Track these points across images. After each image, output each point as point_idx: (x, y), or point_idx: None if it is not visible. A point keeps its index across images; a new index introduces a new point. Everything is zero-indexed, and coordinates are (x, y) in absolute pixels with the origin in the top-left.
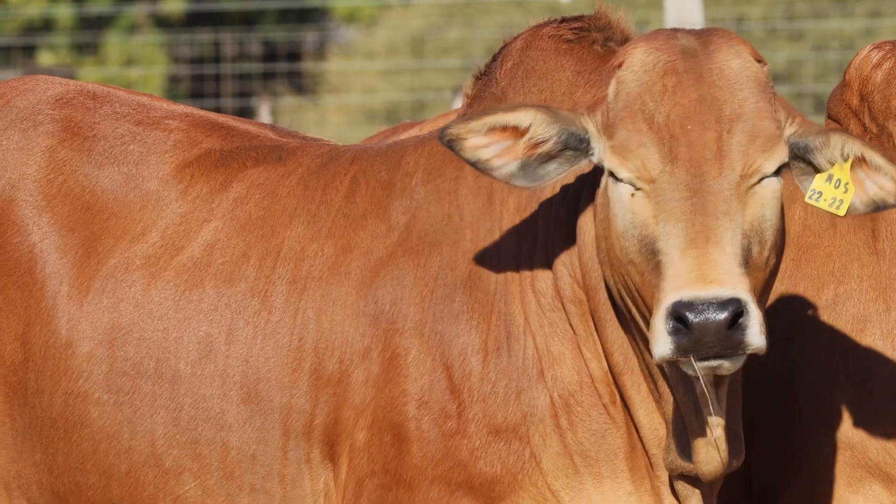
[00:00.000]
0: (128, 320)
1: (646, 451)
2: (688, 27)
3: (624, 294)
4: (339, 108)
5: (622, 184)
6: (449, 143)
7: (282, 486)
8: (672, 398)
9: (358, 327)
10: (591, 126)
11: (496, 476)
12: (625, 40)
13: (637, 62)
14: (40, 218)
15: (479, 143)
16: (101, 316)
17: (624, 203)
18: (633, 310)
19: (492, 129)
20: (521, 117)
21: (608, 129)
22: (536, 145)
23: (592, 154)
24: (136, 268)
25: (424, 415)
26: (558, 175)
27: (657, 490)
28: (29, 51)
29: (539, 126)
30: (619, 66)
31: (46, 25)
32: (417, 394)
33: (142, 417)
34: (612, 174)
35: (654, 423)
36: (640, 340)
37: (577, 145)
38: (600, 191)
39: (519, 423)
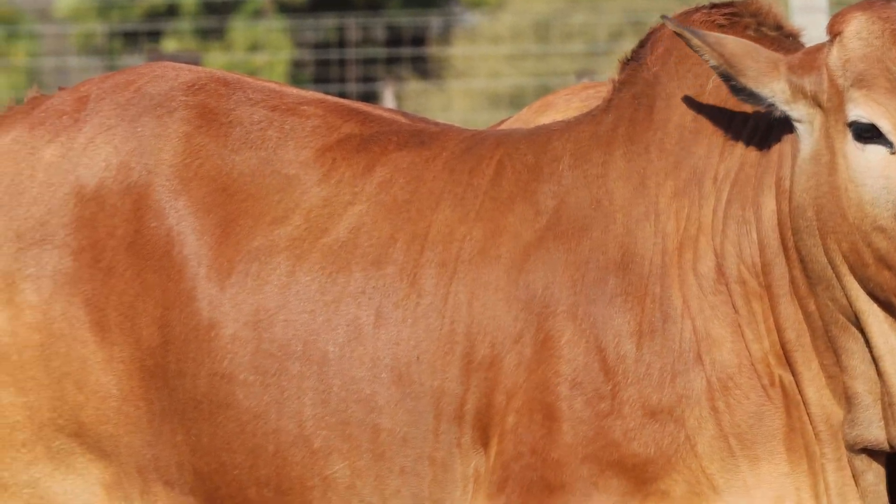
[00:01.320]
0: (274, 302)
1: (813, 428)
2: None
3: (853, 263)
4: (464, 92)
5: (871, 147)
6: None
7: (432, 469)
8: (861, 370)
9: (510, 311)
10: (788, 91)
11: (649, 457)
12: (777, 25)
13: (863, 30)
14: (176, 201)
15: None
16: (246, 298)
17: (874, 167)
18: (874, 278)
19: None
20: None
21: (836, 96)
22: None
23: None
24: (281, 250)
25: (577, 395)
26: None
27: (814, 470)
28: (154, 36)
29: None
30: (837, 35)
31: (171, 11)
32: (571, 374)
33: (289, 398)
34: (859, 137)
35: (822, 400)
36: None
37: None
38: (806, 159)
39: (674, 405)
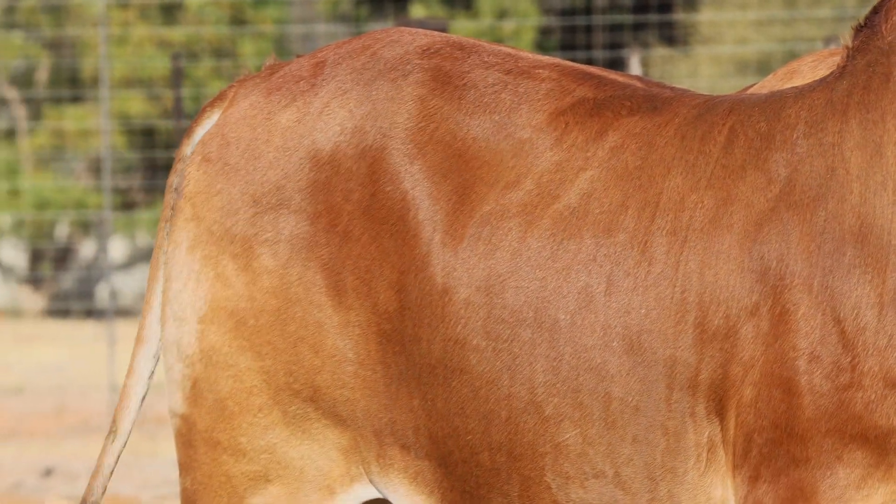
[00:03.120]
0: (505, 268)
1: None
2: None
3: None
4: (711, 59)
5: None
6: None
7: (665, 438)
8: None
9: (744, 282)
10: None
11: (893, 428)
12: None
13: None
14: (412, 166)
15: None
16: (477, 263)
17: None
18: None
19: None
20: None
21: None
22: None
23: None
24: (512, 215)
25: (816, 369)
26: None
27: None
28: (401, 3)
29: None
30: None
31: None
32: (808, 348)
33: (521, 365)
34: None
35: None
36: None
37: None
38: None
39: None
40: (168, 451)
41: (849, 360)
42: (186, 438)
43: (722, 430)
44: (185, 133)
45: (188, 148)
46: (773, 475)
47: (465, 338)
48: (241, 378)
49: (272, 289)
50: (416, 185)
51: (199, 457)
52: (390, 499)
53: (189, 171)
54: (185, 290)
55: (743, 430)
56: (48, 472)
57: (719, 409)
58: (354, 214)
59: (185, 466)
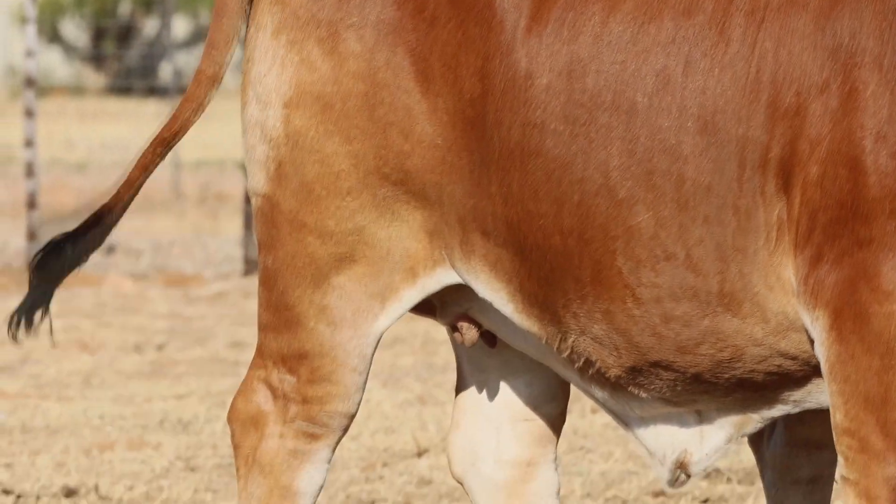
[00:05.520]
0: (586, 52)
1: None
2: None
3: None
4: None
5: None
6: None
7: (736, 218)
8: None
9: (816, 60)
10: None
11: None
12: None
13: None
14: None
15: None
16: (560, 48)
17: None
18: None
19: None
20: None
21: None
22: None
23: None
24: (595, 0)
25: (882, 148)
26: None
27: None
28: None
29: None
30: None
31: None
32: (875, 127)
33: (596, 148)
34: None
35: None
36: None
37: None
38: None
39: None
40: (230, 228)
41: None
42: (269, 218)
43: (788, 208)
44: None
45: None
46: (837, 255)
47: (543, 122)
48: (328, 162)
49: (359, 73)
50: None
51: (283, 237)
52: (472, 286)
53: None
54: (270, 73)
55: (808, 209)
56: (110, 250)
57: (786, 187)
58: (441, 1)
59: (267, 245)
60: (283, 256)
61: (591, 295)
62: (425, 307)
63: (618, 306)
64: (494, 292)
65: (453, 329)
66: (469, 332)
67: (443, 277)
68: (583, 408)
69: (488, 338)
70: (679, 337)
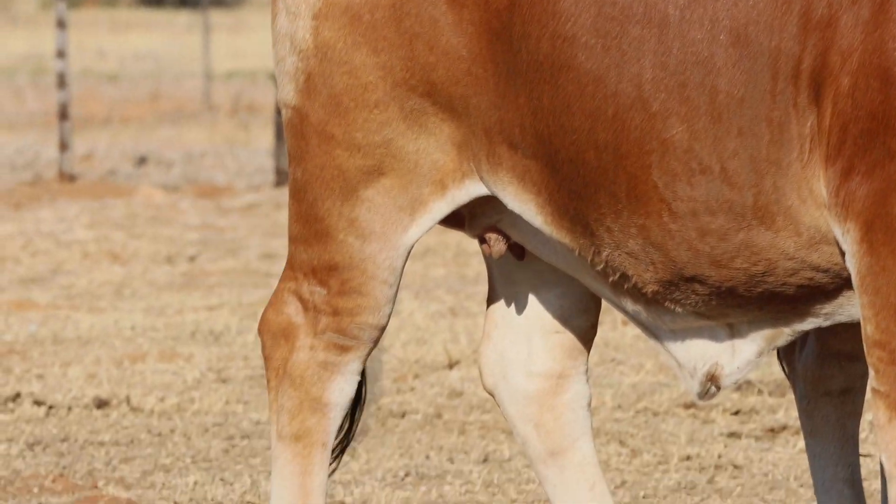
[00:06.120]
0: None
1: None
2: None
3: None
4: None
5: None
6: None
7: (769, 130)
8: None
9: None
10: None
11: None
12: None
13: None
14: None
15: None
16: None
17: None
18: None
19: None
20: None
21: None
22: None
23: None
24: None
25: None
26: None
27: None
28: None
29: None
30: None
31: None
32: None
33: (629, 62)
34: None
35: None
36: None
37: None
38: None
39: None
40: (262, 139)
41: None
42: (298, 130)
43: (819, 120)
44: None
45: None
46: (868, 167)
47: (573, 34)
48: (356, 74)
49: None
50: None
51: (312, 149)
52: (500, 197)
53: None
54: None
55: (839, 121)
56: (142, 161)
57: (818, 98)
58: None
59: (297, 157)
60: (312, 169)
61: (626, 210)
62: (455, 219)
63: (654, 221)
64: (523, 204)
65: (482, 241)
66: (497, 244)
67: (472, 189)
68: (614, 320)
69: (517, 250)
70: (714, 251)
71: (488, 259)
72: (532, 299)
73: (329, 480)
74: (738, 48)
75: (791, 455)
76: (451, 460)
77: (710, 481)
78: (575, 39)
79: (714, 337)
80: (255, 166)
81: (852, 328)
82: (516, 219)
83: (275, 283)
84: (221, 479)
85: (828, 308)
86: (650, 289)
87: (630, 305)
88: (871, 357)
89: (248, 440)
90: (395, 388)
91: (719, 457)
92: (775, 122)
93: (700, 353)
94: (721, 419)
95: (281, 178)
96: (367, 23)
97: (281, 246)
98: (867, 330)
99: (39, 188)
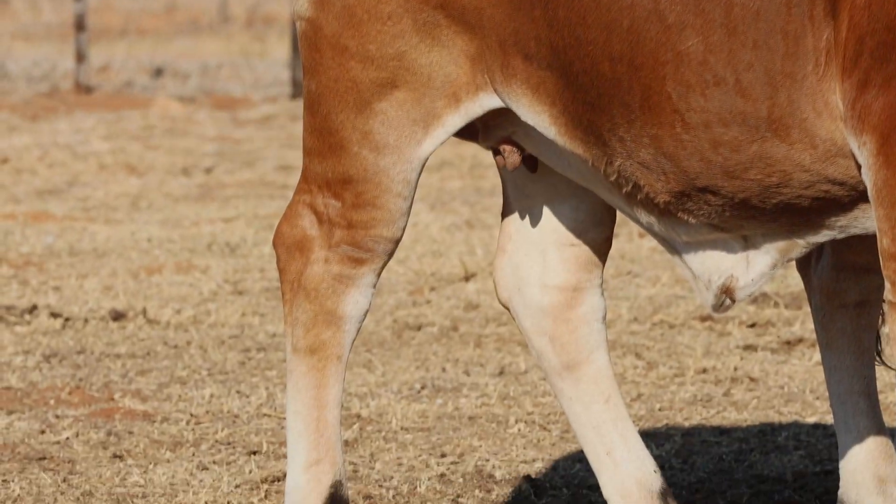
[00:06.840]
0: None
1: None
2: None
3: None
4: None
5: None
6: None
7: (785, 42)
8: None
9: None
10: None
11: None
12: None
13: None
14: None
15: None
16: None
17: None
18: None
19: None
20: None
21: None
22: None
23: None
24: None
25: None
26: None
27: None
28: None
29: None
30: None
31: None
32: None
33: None
34: None
35: None
36: None
37: None
38: None
39: None
40: (278, 51)
41: None
42: (312, 42)
43: (835, 32)
44: None
45: None
46: (884, 80)
47: None
48: None
49: None
50: None
51: (326, 61)
52: (514, 109)
53: None
54: None
55: (855, 34)
56: (158, 72)
57: (834, 10)
58: None
59: (311, 69)
60: (326, 81)
61: (639, 120)
62: (469, 131)
63: (666, 131)
64: (536, 115)
65: (496, 153)
66: (512, 156)
67: (486, 102)
68: (630, 232)
69: (530, 162)
70: (727, 162)
71: (502, 171)
72: (546, 212)
73: (344, 393)
74: None
75: (807, 367)
76: (466, 373)
77: (726, 394)
78: None
79: (729, 249)
80: (272, 78)
81: (868, 240)
82: (530, 130)
83: (291, 194)
84: (237, 392)
85: (843, 221)
86: (662, 199)
87: (644, 217)
88: (887, 269)
89: (263, 353)
90: (412, 300)
91: (735, 369)
92: (791, 34)
93: (715, 265)
94: (737, 332)
95: (297, 89)
96: None
97: (297, 157)
98: (883, 243)
99: (56, 100)
